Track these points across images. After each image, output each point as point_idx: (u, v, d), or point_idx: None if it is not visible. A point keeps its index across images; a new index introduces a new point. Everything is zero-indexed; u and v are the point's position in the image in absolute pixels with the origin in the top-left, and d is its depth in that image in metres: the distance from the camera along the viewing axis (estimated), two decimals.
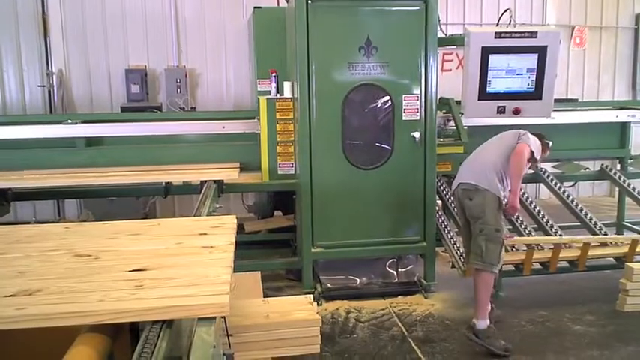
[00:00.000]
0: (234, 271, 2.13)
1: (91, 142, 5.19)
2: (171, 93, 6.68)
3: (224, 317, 2.31)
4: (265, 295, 3.64)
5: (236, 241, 2.40)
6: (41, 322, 1.60)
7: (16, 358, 2.04)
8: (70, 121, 5.11)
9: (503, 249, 3.92)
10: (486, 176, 3.95)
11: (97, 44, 6.83)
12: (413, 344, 3.99)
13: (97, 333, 1.71)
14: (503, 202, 3.96)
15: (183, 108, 6.60)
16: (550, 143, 4.27)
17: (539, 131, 4.29)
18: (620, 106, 5.93)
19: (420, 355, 3.84)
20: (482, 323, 3.90)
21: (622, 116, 5.74)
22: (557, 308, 4.46)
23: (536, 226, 4.88)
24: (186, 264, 2.05)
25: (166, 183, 4.96)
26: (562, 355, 3.83)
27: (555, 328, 4.20)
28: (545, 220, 4.84)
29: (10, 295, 1.71)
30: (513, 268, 4.55)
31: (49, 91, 6.82)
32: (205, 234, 2.44)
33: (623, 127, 5.78)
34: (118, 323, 1.75)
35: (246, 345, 2.61)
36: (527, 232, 4.70)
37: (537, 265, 4.57)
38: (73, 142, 5.13)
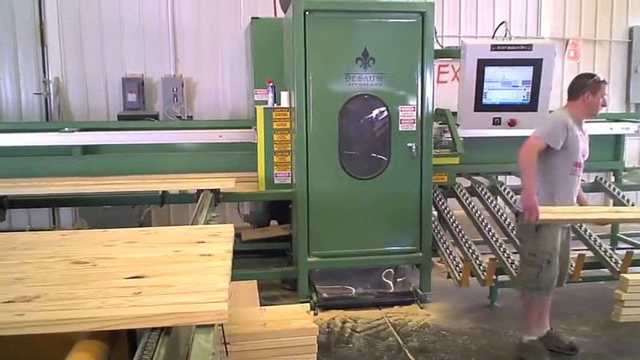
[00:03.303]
0: (231, 280, 2.14)
1: (88, 150, 5.20)
2: (168, 102, 6.68)
3: (222, 325, 2.32)
4: (261, 305, 3.64)
5: (233, 250, 2.40)
6: (39, 328, 1.59)
7: None
8: (66, 129, 5.12)
9: (548, 272, 3.72)
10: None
11: (94, 53, 6.84)
12: (409, 354, 3.99)
13: (94, 340, 1.70)
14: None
15: (180, 117, 6.60)
16: (601, 79, 3.84)
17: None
18: (615, 118, 5.98)
19: None
20: (526, 337, 3.89)
21: (616, 128, 5.79)
22: (552, 319, 4.45)
23: None
24: (185, 271, 2.04)
25: (162, 192, 4.95)
26: None
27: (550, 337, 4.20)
28: None
29: (7, 302, 1.70)
30: (508, 278, 4.55)
31: (46, 99, 6.81)
32: (203, 242, 2.44)
33: (617, 140, 5.83)
34: (116, 330, 1.73)
35: (244, 354, 2.61)
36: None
37: None
38: (69, 149, 5.14)
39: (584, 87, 3.76)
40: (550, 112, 4.13)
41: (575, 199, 3.93)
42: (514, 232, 4.56)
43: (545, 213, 3.65)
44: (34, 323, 1.59)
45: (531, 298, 3.86)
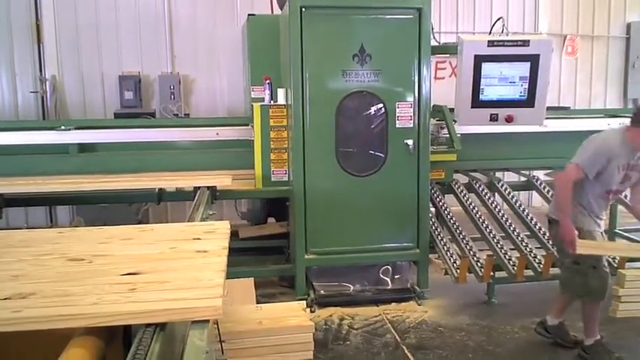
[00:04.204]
0: (227, 278, 2.13)
1: (84, 148, 5.19)
2: (165, 100, 6.68)
3: (217, 323, 2.31)
4: (258, 302, 3.63)
5: (229, 247, 2.40)
6: (36, 324, 1.60)
7: None
8: (63, 127, 5.10)
9: (596, 277, 3.64)
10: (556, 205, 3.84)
11: (90, 51, 6.83)
12: (406, 351, 3.99)
13: (90, 336, 1.71)
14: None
15: (177, 115, 6.59)
16: None
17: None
18: (612, 114, 5.97)
19: None
20: (590, 340, 3.83)
21: (613, 124, 5.77)
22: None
23: (529, 233, 4.89)
24: (180, 268, 2.05)
25: (159, 189, 4.94)
26: None
27: None
28: (537, 228, 4.84)
29: (4, 299, 1.71)
30: (506, 274, 4.55)
31: (42, 97, 6.80)
32: (199, 239, 2.45)
33: None
34: (112, 327, 1.75)
35: (239, 351, 2.61)
36: (519, 239, 4.71)
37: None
38: (66, 148, 5.13)
39: None
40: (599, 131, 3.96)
41: (604, 214, 3.89)
42: (542, 235, 4.59)
43: (584, 247, 3.57)
44: (31, 320, 1.60)
45: (585, 304, 3.82)
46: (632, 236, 5.58)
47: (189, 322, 1.74)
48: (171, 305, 1.71)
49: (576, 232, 3.59)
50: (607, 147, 3.60)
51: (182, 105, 6.75)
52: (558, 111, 6.10)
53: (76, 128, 5.14)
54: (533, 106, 5.01)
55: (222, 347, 2.46)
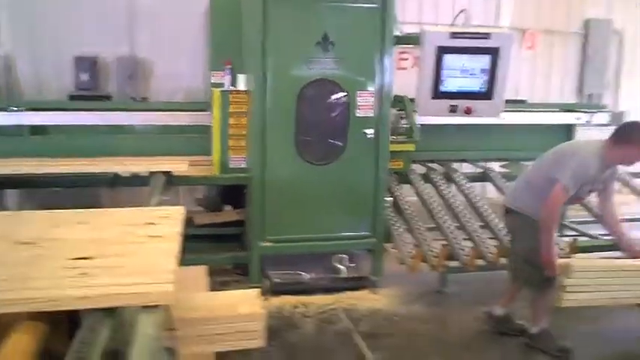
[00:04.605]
0: (182, 265, 2.12)
1: (37, 130, 5.05)
2: (123, 83, 6.52)
3: (168, 310, 2.29)
4: (212, 290, 3.60)
5: (184, 234, 2.37)
6: None
7: None
8: (14, 108, 4.95)
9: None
10: (521, 198, 3.90)
11: (45, 30, 6.60)
12: (358, 339, 4.02)
13: (34, 322, 1.68)
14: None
15: (134, 98, 6.45)
16: None
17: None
18: (568, 108, 6.10)
19: (364, 349, 3.87)
20: (536, 328, 3.92)
21: (568, 118, 5.92)
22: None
23: (482, 224, 4.98)
24: (132, 253, 2.04)
25: (114, 174, 4.85)
26: (503, 349, 3.93)
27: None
28: (491, 218, 4.93)
29: None
30: (459, 264, 4.62)
31: None
32: (152, 224, 2.43)
33: (569, 129, 5.96)
34: (57, 313, 1.72)
35: (190, 339, 2.58)
36: (473, 230, 4.78)
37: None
38: (17, 129, 4.98)
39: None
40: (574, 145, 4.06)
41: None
42: (495, 226, 4.74)
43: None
44: None
45: (534, 293, 3.92)
46: (579, 227, 5.71)
47: (140, 308, 1.72)
48: (122, 290, 1.70)
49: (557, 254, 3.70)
50: (586, 166, 3.64)
51: (140, 88, 6.60)
52: (516, 104, 6.20)
53: (28, 109, 5.00)
54: (491, 99, 5.08)
55: (173, 334, 2.44)
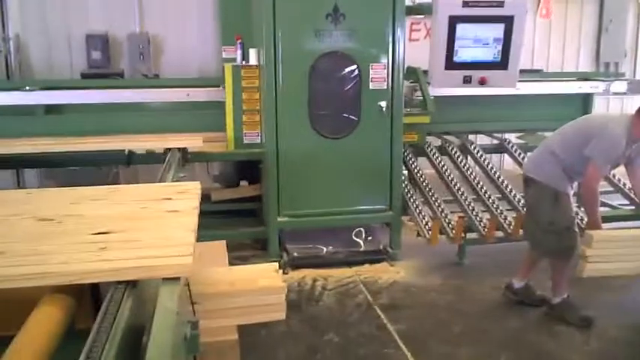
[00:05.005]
0: (199, 241, 2.12)
1: (51, 109, 5.06)
2: (134, 60, 6.48)
3: (188, 285, 2.30)
4: (231, 265, 3.62)
5: (201, 209, 2.37)
6: (5, 283, 1.60)
7: None
8: (27, 88, 4.95)
9: (568, 238, 3.73)
10: (543, 168, 3.84)
11: (56, 8, 6.57)
12: (378, 311, 4.03)
13: (60, 294, 1.70)
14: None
15: (146, 75, 6.42)
16: None
17: None
18: (584, 77, 6.00)
19: (385, 321, 3.88)
20: (557, 298, 3.91)
21: (585, 87, 5.82)
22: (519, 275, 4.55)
23: (500, 195, 4.94)
24: (151, 227, 2.04)
25: (129, 151, 4.85)
26: (523, 319, 3.92)
27: None
28: (508, 190, 4.90)
29: None
30: (477, 236, 4.60)
31: (6, 57, 6.56)
32: (170, 199, 2.43)
33: (586, 98, 5.87)
34: (80, 287, 1.74)
35: (212, 313, 2.58)
36: (490, 201, 4.76)
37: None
38: (31, 109, 4.99)
39: None
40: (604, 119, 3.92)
41: None
42: (513, 197, 4.72)
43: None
44: (1, 278, 1.59)
45: (555, 263, 3.90)
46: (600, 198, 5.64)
47: (160, 282, 1.73)
48: (141, 263, 1.70)
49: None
50: (618, 145, 3.60)
51: (151, 65, 6.57)
52: (531, 73, 6.11)
53: (41, 89, 4.99)
54: (506, 69, 5.02)
55: (193, 309, 2.44)
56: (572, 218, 3.80)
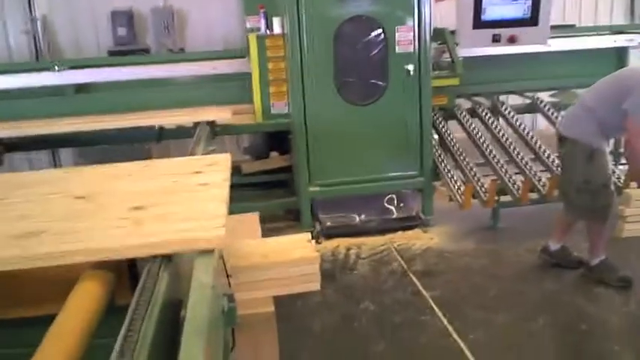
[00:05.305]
0: (231, 213, 2.13)
1: (80, 88, 5.12)
2: (159, 34, 6.48)
3: (222, 258, 2.32)
4: (264, 236, 3.64)
5: (232, 181, 2.38)
6: (47, 261, 1.63)
7: (22, 300, 2.06)
8: (56, 68, 5.00)
9: (605, 197, 3.65)
10: (578, 124, 3.73)
11: None
12: (413, 277, 4.03)
13: (100, 270, 1.74)
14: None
15: (172, 50, 6.43)
16: None
17: None
18: (618, 30, 5.80)
19: (420, 287, 3.88)
20: (595, 260, 3.86)
21: (620, 41, 5.62)
22: (552, 236, 4.49)
23: (533, 157, 4.85)
24: (182, 201, 2.06)
25: (159, 127, 4.88)
26: (560, 281, 3.88)
27: None
28: (542, 150, 4.80)
29: (13, 237, 1.73)
30: (510, 199, 4.53)
31: (35, 37, 6.63)
32: (200, 172, 2.44)
33: (622, 52, 5.66)
34: (118, 263, 1.77)
35: (246, 285, 2.61)
36: (523, 163, 4.67)
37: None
38: (61, 89, 5.06)
39: None
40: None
41: None
42: (546, 158, 4.60)
43: None
44: (42, 257, 1.63)
45: (591, 224, 3.82)
46: None
47: (195, 256, 1.75)
48: (175, 237, 1.73)
49: None
50: None
51: (176, 39, 6.56)
52: (563, 29, 5.92)
53: (70, 68, 5.04)
54: (536, 25, 4.87)
55: (229, 282, 2.47)
56: (609, 176, 3.69)
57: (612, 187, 3.71)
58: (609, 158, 3.79)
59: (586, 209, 3.77)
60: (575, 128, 3.73)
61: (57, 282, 1.77)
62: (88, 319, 1.55)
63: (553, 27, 5.17)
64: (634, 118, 3.46)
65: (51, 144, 5.52)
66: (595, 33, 5.91)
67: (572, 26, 6.49)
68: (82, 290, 1.66)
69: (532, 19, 4.86)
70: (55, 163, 6.84)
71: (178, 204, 2.03)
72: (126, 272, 1.98)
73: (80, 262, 1.67)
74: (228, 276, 2.45)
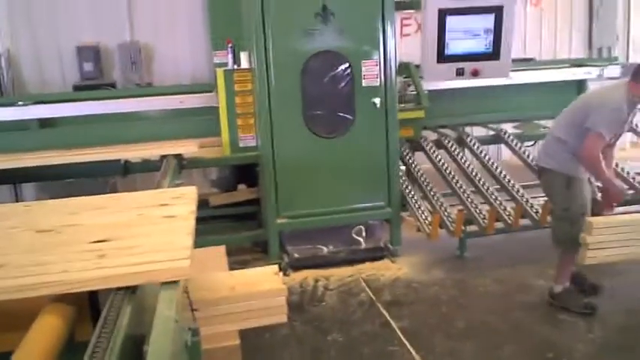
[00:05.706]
0: (199, 246, 2.12)
1: (45, 123, 5.06)
2: (126, 69, 6.48)
3: (187, 293, 2.29)
4: (232, 269, 3.61)
5: (199, 214, 2.38)
6: (7, 294, 1.63)
7: None
8: (20, 103, 4.95)
9: (582, 225, 3.63)
10: (552, 155, 3.83)
11: (45, 22, 6.56)
12: (381, 308, 4.03)
13: (60, 303, 1.72)
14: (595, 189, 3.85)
15: (139, 84, 6.42)
16: None
17: None
18: (577, 63, 6.00)
19: (388, 318, 3.87)
20: (559, 287, 3.89)
21: (579, 73, 5.81)
22: (521, 266, 4.55)
23: (498, 187, 4.93)
24: (148, 233, 2.07)
25: (125, 161, 4.84)
26: (526, 310, 3.91)
27: (520, 284, 4.29)
28: (507, 180, 4.88)
29: None
30: (477, 228, 4.59)
31: None
32: (166, 205, 2.45)
33: (580, 84, 5.85)
34: (79, 295, 1.77)
35: (213, 319, 2.58)
36: (489, 193, 4.74)
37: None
38: (25, 124, 4.99)
39: None
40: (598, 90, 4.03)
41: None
42: (511, 188, 4.68)
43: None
44: (2, 290, 1.63)
45: (564, 251, 3.87)
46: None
47: (159, 288, 1.74)
48: (139, 269, 1.73)
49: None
50: (619, 109, 3.60)
51: (143, 74, 6.57)
52: (524, 63, 6.10)
53: (34, 103, 4.99)
54: (498, 59, 5.00)
55: (193, 315, 2.44)
56: (586, 205, 3.76)
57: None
58: (589, 188, 3.85)
59: (565, 238, 3.80)
60: (550, 159, 3.85)
61: (18, 316, 1.74)
62: (46, 357, 1.52)
63: (514, 60, 5.33)
64: (592, 135, 3.58)
65: (14, 178, 5.42)
66: (555, 66, 6.10)
67: (532, 59, 6.70)
68: (41, 325, 1.63)
69: (494, 54, 4.99)
70: (17, 198, 6.71)
71: (143, 236, 2.03)
72: (87, 306, 1.96)
73: (40, 295, 1.65)
74: (193, 310, 2.42)
